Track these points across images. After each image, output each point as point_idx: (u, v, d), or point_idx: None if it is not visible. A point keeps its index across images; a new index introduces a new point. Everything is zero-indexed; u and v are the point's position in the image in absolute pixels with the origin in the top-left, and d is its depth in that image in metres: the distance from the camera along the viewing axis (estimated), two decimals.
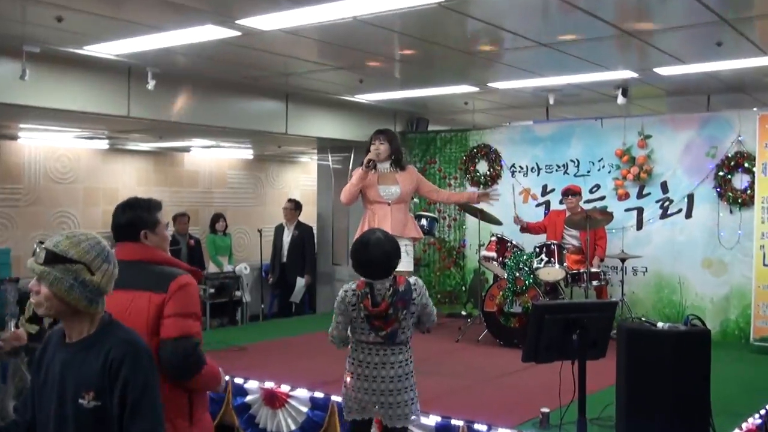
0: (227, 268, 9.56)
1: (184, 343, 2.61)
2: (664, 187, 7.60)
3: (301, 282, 9.10)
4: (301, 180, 12.88)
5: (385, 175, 5.58)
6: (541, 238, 7.45)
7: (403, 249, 5.53)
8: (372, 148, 5.55)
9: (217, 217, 9.86)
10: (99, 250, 2.25)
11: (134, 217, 2.77)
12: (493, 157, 8.58)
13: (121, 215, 2.78)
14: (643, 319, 4.19)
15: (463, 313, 8.55)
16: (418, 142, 9.23)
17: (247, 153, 11.78)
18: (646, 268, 7.64)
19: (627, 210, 7.77)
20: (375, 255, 3.50)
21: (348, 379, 3.59)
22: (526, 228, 7.52)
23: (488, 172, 8.60)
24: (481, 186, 8.58)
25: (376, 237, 3.56)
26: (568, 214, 7.31)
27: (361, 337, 3.55)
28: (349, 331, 3.60)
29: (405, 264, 5.47)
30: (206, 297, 8.30)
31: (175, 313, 2.62)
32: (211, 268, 9.60)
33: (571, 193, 7.35)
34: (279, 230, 9.47)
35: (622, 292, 7.24)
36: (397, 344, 3.54)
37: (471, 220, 8.49)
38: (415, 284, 3.57)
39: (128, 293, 2.60)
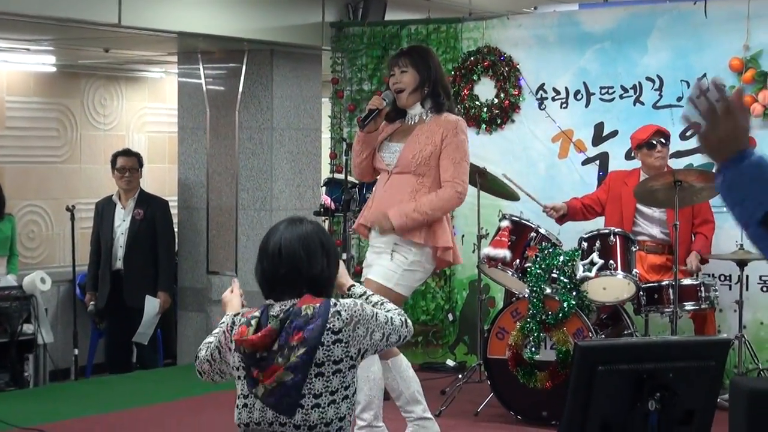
0: (6, 280, 9.48)
1: None
2: None
3: (152, 306, 9.10)
4: (147, 114, 12.77)
5: (408, 127, 5.91)
6: (595, 225, 7.52)
7: (386, 254, 5.75)
8: (391, 82, 5.89)
9: None
10: None
11: None
12: (504, 71, 8.61)
13: None
14: None
15: (450, 363, 8.64)
16: (367, 43, 9.24)
17: (44, 62, 11.65)
18: None
19: None
20: (281, 259, 3.70)
21: None
22: (565, 215, 7.60)
23: (496, 101, 8.64)
24: (484, 126, 8.62)
25: (288, 231, 3.73)
26: (643, 177, 7.37)
27: (243, 414, 3.64)
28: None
29: (378, 273, 5.71)
30: None
31: None
32: None
33: (661, 139, 7.37)
34: (106, 209, 9.44)
35: (740, 323, 7.32)
36: (308, 428, 3.57)
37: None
38: (337, 307, 3.62)
39: None
